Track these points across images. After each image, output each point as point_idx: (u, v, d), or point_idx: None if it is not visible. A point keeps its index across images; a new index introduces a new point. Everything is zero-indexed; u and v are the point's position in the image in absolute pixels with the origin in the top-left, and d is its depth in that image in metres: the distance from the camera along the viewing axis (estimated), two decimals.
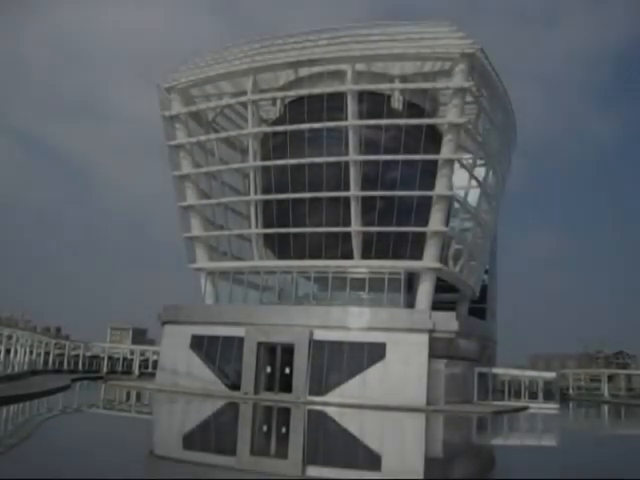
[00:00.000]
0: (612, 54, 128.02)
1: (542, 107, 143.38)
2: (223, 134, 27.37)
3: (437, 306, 23.82)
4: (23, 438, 10.61)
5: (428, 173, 23.29)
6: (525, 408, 24.54)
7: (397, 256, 23.34)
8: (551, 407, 26.43)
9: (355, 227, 23.02)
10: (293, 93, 24.90)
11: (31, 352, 25.86)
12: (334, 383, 21.78)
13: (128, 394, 23.49)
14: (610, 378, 39.68)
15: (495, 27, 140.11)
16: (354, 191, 22.98)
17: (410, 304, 23.30)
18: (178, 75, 26.44)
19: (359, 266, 23.81)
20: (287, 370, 22.32)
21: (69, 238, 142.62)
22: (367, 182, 23.45)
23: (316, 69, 23.50)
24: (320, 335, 22.13)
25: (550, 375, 28.87)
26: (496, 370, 27.18)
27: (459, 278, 25.92)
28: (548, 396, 27.59)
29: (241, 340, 22.88)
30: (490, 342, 29.80)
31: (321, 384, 21.79)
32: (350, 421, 17.65)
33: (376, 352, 21.39)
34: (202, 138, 26.81)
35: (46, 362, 30.78)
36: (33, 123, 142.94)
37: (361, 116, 23.48)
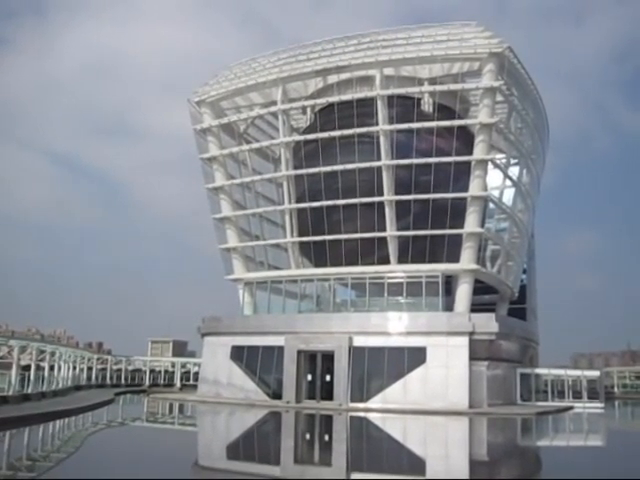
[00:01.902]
0: None
1: (575, 103, 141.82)
2: (255, 145, 27.56)
3: (476, 308, 23.68)
4: (71, 452, 10.76)
5: (462, 174, 23.29)
6: (569, 408, 24.17)
7: (434, 259, 23.20)
8: (596, 406, 26.06)
9: (390, 232, 23.06)
10: (323, 100, 25.08)
11: (74, 367, 26.17)
12: (375, 389, 21.72)
13: (171, 406, 23.69)
14: None
15: (523, 25, 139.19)
16: (388, 196, 22.96)
17: (449, 307, 23.15)
18: (208, 88, 26.72)
19: (396, 271, 23.76)
20: (328, 377, 22.32)
21: (109, 255, 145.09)
22: (400, 186, 23.37)
23: (344, 75, 23.56)
24: (360, 341, 22.10)
25: (594, 374, 28.38)
26: (538, 370, 26.84)
27: (497, 279, 25.70)
28: (592, 395, 27.18)
29: (281, 349, 22.95)
30: (532, 342, 29.44)
31: (362, 390, 21.73)
32: (393, 426, 17.53)
33: (416, 356, 21.28)
34: (234, 150, 27.13)
35: (89, 377, 31.14)
36: (69, 142, 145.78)
37: (392, 121, 23.48)
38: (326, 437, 15.19)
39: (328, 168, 23.07)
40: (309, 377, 21.98)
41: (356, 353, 21.18)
